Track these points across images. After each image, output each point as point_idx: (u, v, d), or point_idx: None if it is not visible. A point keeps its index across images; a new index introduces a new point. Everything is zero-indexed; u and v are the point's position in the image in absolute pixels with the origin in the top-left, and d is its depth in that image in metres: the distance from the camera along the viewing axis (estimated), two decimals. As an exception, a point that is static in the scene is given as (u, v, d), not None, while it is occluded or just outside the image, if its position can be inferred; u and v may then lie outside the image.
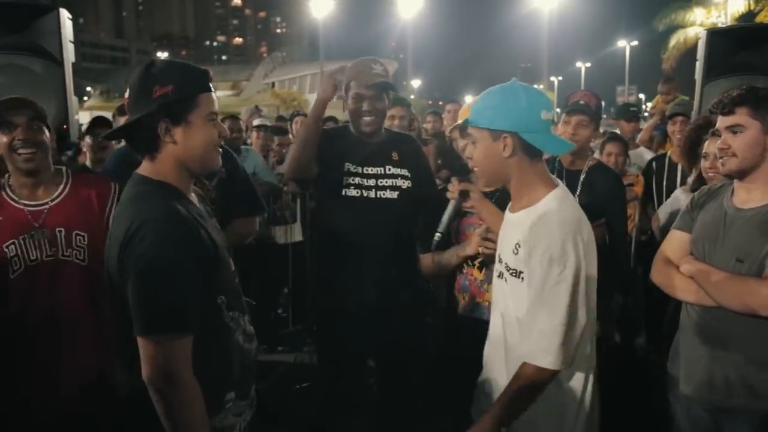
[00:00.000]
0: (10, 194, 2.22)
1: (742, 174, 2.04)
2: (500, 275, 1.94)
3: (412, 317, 2.83)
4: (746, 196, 2.05)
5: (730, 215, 2.06)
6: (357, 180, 2.73)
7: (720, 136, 2.08)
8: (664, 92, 6.00)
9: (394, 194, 2.74)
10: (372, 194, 2.72)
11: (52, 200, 2.23)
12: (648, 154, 4.86)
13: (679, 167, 3.95)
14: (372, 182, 2.73)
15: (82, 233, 2.21)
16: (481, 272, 2.61)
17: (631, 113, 5.54)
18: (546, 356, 1.71)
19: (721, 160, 2.08)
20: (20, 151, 2.14)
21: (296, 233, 5.11)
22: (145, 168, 1.67)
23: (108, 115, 4.61)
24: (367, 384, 3.02)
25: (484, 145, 1.81)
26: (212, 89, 1.69)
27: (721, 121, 2.06)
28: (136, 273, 1.51)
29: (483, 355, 2.06)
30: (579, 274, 1.72)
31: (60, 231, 2.19)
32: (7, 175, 2.28)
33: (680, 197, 3.17)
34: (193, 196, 1.76)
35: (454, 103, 6.28)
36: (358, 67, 2.76)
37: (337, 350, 2.80)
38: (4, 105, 2.18)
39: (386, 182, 2.75)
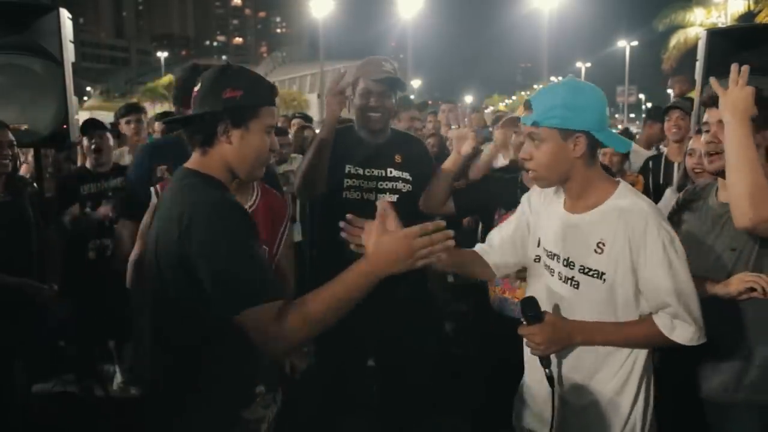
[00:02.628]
0: None
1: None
2: (568, 280, 1.79)
3: (412, 318, 2.82)
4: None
5: (718, 212, 2.05)
6: (357, 182, 2.70)
7: (708, 131, 2.03)
8: (672, 86, 5.82)
9: (394, 197, 2.71)
10: (372, 197, 2.69)
11: (248, 207, 2.20)
12: (643, 152, 4.76)
13: (675, 166, 3.89)
14: (372, 184, 2.71)
15: (264, 246, 2.15)
16: None
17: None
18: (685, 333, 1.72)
19: (708, 158, 2.03)
20: None
21: (296, 233, 5.10)
22: (194, 161, 1.71)
23: (108, 115, 4.62)
24: (367, 384, 3.02)
25: (553, 144, 1.72)
26: (276, 104, 1.76)
27: (713, 115, 2.00)
28: (210, 257, 1.51)
29: (525, 359, 1.95)
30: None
31: None
32: None
33: (669, 197, 3.12)
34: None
35: (449, 103, 6.34)
36: (367, 63, 2.72)
37: (337, 350, 2.79)
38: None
39: (386, 185, 2.73)
